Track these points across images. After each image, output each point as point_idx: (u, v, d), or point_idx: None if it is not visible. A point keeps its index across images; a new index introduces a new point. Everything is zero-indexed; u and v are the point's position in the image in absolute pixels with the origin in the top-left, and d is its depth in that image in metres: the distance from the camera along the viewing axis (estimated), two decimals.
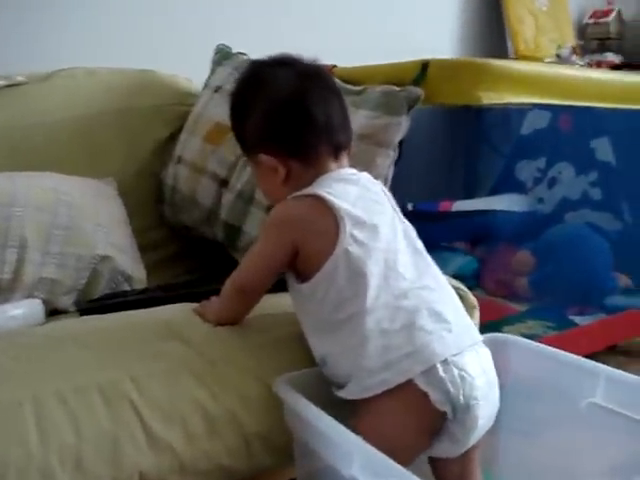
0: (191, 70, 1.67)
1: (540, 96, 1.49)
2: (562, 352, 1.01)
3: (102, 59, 1.60)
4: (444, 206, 1.89)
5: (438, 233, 1.83)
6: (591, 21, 2.75)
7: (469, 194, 2.09)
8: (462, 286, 1.13)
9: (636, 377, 0.93)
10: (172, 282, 1.41)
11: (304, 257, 0.93)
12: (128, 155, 1.55)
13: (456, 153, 2.13)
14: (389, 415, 0.86)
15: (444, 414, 0.86)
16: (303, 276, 0.93)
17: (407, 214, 1.01)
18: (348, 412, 0.86)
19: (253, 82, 0.98)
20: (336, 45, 1.68)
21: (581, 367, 0.98)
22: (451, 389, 0.85)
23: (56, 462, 0.77)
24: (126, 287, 1.31)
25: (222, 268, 1.56)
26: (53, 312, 1.22)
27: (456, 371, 0.86)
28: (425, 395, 0.85)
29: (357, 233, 0.90)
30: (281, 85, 0.94)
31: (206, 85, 1.59)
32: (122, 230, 1.36)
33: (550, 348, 1.03)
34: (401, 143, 1.29)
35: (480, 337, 0.94)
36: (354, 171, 1.00)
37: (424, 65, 1.36)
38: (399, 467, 0.71)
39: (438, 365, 0.85)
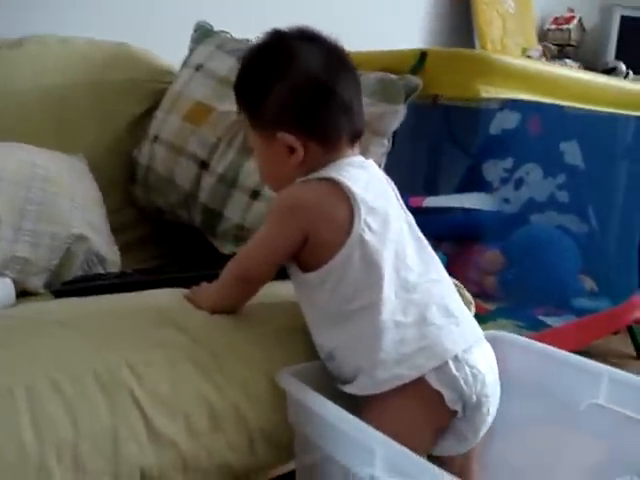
0: (167, 47, 1.59)
1: (541, 95, 1.48)
2: (562, 352, 1.01)
3: (75, 27, 1.51)
4: (415, 202, 1.87)
5: None
6: (552, 27, 2.80)
7: (433, 191, 2.09)
8: (457, 282, 1.11)
9: (637, 378, 0.94)
10: (147, 267, 1.34)
11: (312, 246, 0.88)
12: (100, 130, 1.46)
13: (421, 149, 2.14)
14: (400, 412, 0.84)
15: (454, 412, 0.85)
16: (308, 265, 0.89)
17: None
18: (353, 408, 0.82)
19: (281, 53, 0.91)
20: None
21: (582, 367, 0.98)
22: (465, 388, 0.84)
23: (53, 458, 0.70)
24: (100, 270, 1.23)
25: (193, 253, 1.51)
26: (22, 293, 1.12)
27: (468, 369, 0.85)
28: (438, 394, 0.83)
29: (371, 221, 0.87)
30: (312, 62, 0.88)
31: (185, 63, 1.51)
32: (97, 210, 1.27)
33: (548, 347, 1.03)
34: (394, 134, 1.27)
35: (482, 332, 0.92)
36: (363, 159, 0.96)
37: (422, 54, 1.33)
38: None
39: (450, 362, 0.84)
